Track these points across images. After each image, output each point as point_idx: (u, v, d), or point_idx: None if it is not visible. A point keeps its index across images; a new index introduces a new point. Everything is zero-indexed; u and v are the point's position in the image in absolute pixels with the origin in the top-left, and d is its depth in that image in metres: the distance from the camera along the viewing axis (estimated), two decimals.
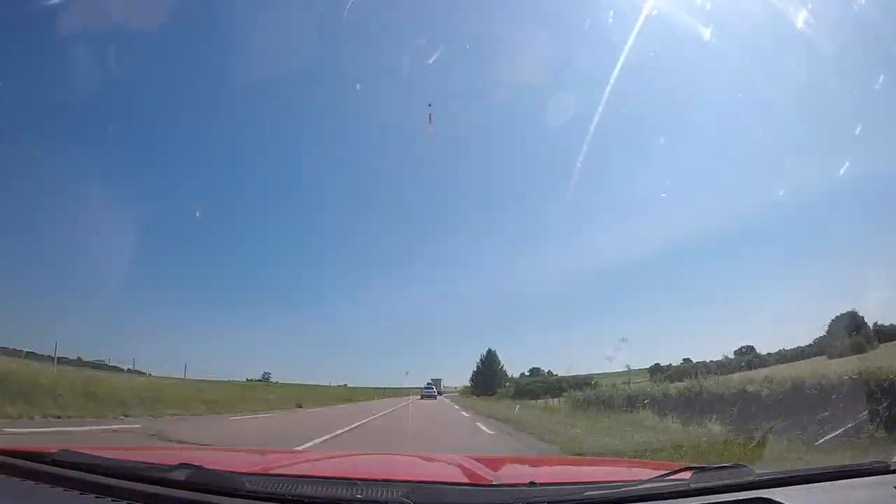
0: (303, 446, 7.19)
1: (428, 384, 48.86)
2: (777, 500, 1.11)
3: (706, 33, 10.83)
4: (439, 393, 51.70)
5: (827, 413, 6.39)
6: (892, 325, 22.76)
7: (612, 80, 12.08)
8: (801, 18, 9.35)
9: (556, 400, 24.06)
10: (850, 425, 5.80)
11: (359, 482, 1.19)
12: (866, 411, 5.89)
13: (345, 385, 50.29)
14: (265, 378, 44.72)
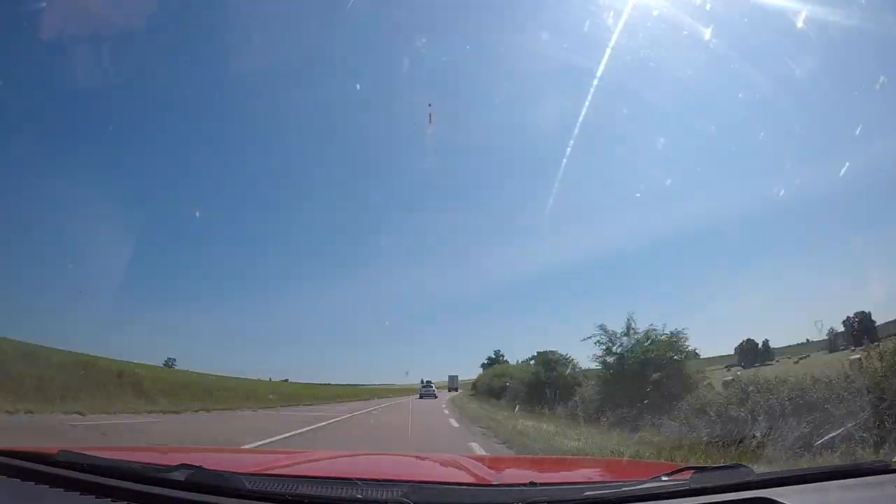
0: None
1: (427, 382, 49.29)
2: (777, 500, 1.11)
3: (706, 32, 10.82)
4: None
5: None
6: None
7: (598, 75, 12.05)
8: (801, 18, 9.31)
9: None
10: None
11: (359, 482, 1.19)
12: None
13: (286, 380, 41.57)
14: (168, 364, 34.00)
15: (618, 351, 12.87)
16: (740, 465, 1.26)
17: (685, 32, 10.83)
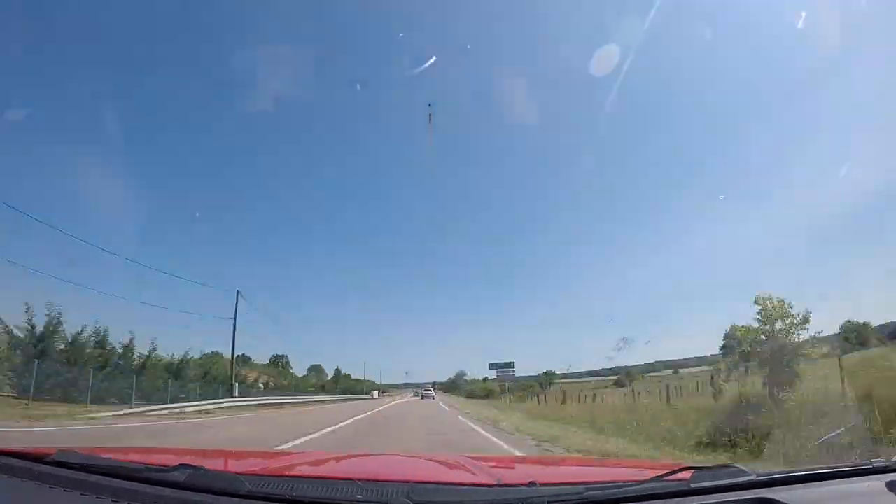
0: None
1: (425, 387, 52.65)
2: (777, 499, 1.11)
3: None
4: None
5: None
6: None
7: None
8: None
9: None
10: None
11: (359, 482, 1.19)
12: None
13: None
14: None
15: None
16: (740, 465, 1.26)
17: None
